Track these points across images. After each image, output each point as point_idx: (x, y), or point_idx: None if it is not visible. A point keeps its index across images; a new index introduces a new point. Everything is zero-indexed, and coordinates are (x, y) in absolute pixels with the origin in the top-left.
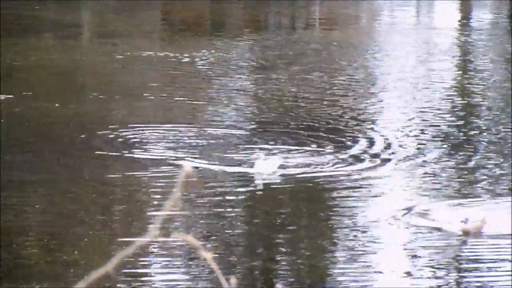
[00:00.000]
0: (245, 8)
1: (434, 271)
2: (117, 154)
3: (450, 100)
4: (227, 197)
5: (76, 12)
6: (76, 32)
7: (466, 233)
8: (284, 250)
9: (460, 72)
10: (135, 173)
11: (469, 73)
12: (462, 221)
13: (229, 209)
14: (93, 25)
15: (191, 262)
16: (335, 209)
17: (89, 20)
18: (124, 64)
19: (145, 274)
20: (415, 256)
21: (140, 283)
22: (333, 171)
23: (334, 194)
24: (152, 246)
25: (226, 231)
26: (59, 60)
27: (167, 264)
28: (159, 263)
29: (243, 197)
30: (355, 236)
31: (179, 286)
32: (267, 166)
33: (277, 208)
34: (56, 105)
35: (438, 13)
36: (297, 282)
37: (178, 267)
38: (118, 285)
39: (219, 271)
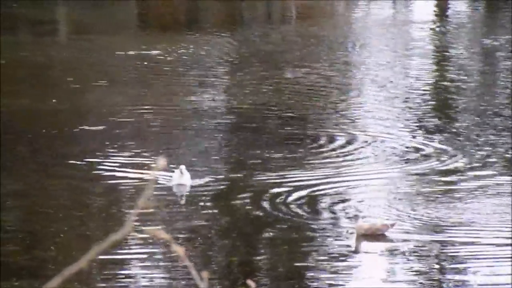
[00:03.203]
0: (221, 4)
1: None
2: (91, 151)
3: (428, 92)
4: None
5: (52, 9)
6: (52, 29)
7: (358, 231)
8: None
9: (438, 64)
10: (110, 171)
11: (446, 65)
12: (350, 217)
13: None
14: (69, 22)
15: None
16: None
17: (65, 17)
18: (100, 60)
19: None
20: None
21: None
22: (306, 168)
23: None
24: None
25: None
26: (36, 57)
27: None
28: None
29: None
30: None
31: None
32: (185, 178)
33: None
34: (48, 101)
35: (415, 7)
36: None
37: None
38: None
39: (191, 265)
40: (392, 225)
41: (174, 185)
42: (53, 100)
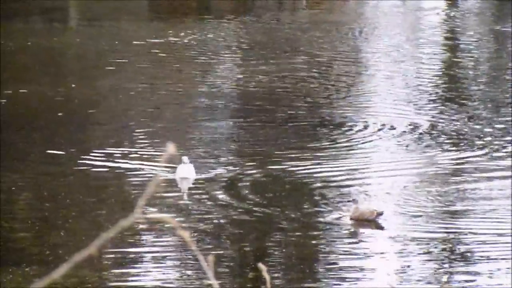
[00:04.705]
0: None
1: None
2: (100, 139)
3: (441, 79)
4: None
5: None
6: (63, 16)
7: (354, 217)
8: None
9: (449, 51)
10: (118, 159)
11: (455, 51)
12: (349, 200)
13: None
14: (80, 8)
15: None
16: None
17: (75, 3)
18: (111, 46)
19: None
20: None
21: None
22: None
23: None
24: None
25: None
26: (46, 43)
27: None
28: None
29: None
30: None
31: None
32: (189, 171)
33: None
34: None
35: None
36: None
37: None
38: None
39: (196, 249)
40: (380, 213)
41: (177, 178)
42: (73, 85)
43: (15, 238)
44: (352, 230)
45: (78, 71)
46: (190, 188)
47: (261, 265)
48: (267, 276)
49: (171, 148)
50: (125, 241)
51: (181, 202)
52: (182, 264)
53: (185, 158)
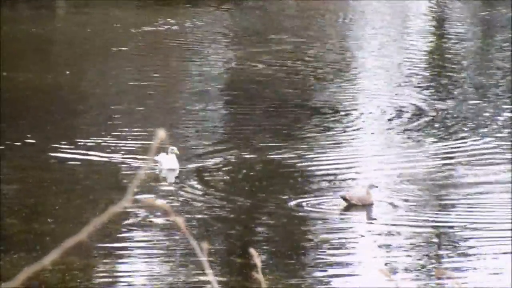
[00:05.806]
0: None
1: None
2: (89, 128)
3: (426, 64)
4: None
5: None
6: (50, 3)
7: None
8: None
9: (436, 36)
10: (109, 142)
11: (444, 38)
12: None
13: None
14: None
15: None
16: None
17: None
18: (100, 34)
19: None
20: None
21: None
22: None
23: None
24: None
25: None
26: (34, 30)
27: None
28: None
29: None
30: None
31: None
32: (172, 161)
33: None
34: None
35: None
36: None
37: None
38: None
39: (190, 235)
40: (345, 198)
41: (162, 169)
42: (67, 72)
43: (3, 226)
44: (342, 218)
45: (66, 58)
46: (174, 178)
47: (252, 250)
48: (258, 262)
49: (162, 134)
50: (114, 229)
51: (166, 192)
52: (170, 252)
53: (169, 149)
